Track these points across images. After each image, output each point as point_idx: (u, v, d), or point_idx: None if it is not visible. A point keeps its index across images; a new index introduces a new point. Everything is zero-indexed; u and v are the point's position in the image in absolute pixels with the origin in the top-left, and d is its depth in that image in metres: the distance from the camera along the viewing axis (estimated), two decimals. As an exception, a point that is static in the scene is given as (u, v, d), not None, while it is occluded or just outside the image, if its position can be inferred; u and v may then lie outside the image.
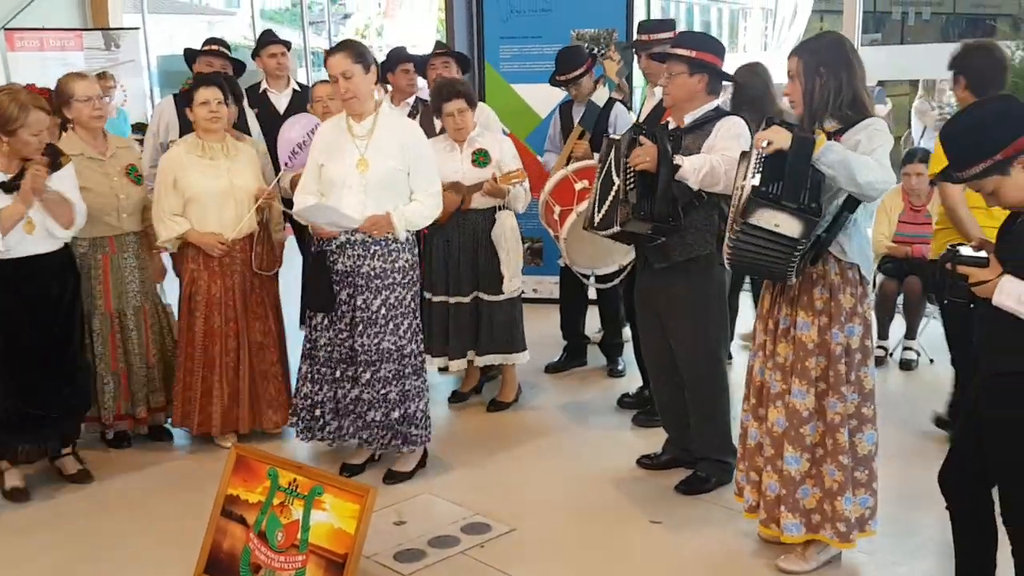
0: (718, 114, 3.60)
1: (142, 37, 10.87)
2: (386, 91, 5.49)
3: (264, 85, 5.59)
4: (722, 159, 3.39)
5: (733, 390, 3.85)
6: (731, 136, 3.49)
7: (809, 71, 2.98)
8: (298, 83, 5.77)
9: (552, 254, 5.78)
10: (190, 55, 5.46)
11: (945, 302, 2.62)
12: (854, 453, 3.09)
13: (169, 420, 4.40)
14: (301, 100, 5.57)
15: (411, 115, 5.23)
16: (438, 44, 5.80)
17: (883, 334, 5.40)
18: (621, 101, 5.18)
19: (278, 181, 4.42)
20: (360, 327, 3.78)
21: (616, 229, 3.53)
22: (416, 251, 3.90)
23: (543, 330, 5.51)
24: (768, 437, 3.16)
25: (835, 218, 2.95)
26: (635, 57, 5.18)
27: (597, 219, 3.64)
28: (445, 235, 4.50)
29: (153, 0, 12.25)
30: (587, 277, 4.68)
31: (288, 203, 4.25)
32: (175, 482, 4.08)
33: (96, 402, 4.20)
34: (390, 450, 3.95)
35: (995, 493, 2.67)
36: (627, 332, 5.12)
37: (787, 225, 2.82)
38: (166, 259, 4.55)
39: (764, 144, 2.85)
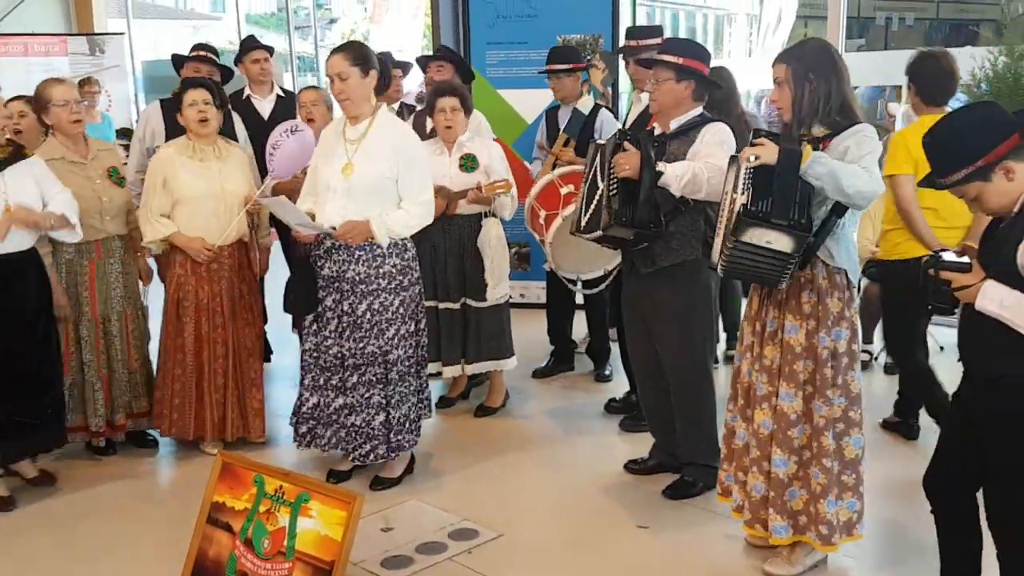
0: (703, 120, 3.62)
1: (127, 42, 10.83)
2: None
3: (247, 91, 5.57)
4: (705, 166, 3.42)
5: (718, 394, 3.86)
6: (715, 142, 3.51)
7: (798, 78, 2.99)
8: (282, 89, 5.76)
9: (539, 259, 5.79)
10: (178, 61, 5.45)
11: (928, 307, 2.64)
12: (841, 457, 3.10)
13: (152, 426, 4.38)
14: (286, 106, 5.56)
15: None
16: (440, 48, 5.80)
17: (867, 338, 5.43)
18: (607, 107, 5.20)
19: (264, 186, 4.41)
20: (347, 332, 3.78)
21: (599, 234, 3.57)
22: (408, 256, 3.84)
23: (530, 335, 5.52)
24: (754, 439, 3.17)
25: (823, 223, 2.97)
26: (623, 63, 5.21)
27: (583, 223, 3.66)
28: (431, 240, 4.49)
29: (138, 5, 12.22)
30: (573, 282, 4.68)
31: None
32: (161, 489, 4.07)
33: (84, 411, 4.18)
34: (371, 461, 3.88)
35: (980, 497, 2.69)
36: (614, 335, 5.13)
37: (779, 242, 2.85)
38: (151, 262, 4.54)
39: (751, 159, 2.86)
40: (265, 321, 4.72)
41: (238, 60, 5.64)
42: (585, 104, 5.05)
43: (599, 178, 3.57)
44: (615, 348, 5.09)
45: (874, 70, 6.63)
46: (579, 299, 5.27)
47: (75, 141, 4.15)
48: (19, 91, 4.75)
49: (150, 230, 4.14)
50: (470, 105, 4.56)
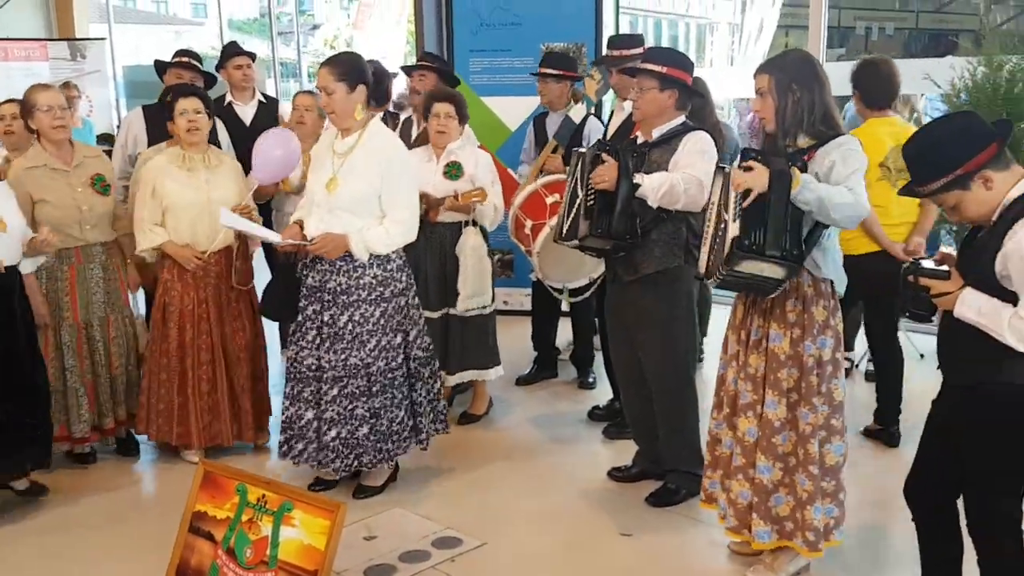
0: (685, 128, 3.64)
1: (108, 47, 10.77)
2: None
3: (229, 97, 5.56)
4: (683, 178, 3.45)
5: (704, 403, 3.87)
6: (696, 152, 3.54)
7: (781, 88, 3.00)
8: (264, 95, 5.75)
9: (523, 266, 5.80)
10: (160, 67, 5.42)
11: (907, 314, 2.67)
12: (822, 463, 3.12)
13: (134, 431, 4.36)
14: (267, 112, 5.55)
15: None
16: (424, 55, 5.80)
17: (848, 345, 5.46)
18: (596, 116, 5.23)
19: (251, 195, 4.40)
20: (328, 343, 3.75)
21: (576, 243, 3.61)
22: (392, 267, 3.79)
23: (513, 342, 5.51)
24: (739, 446, 3.19)
25: (810, 233, 2.99)
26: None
27: (564, 230, 3.69)
28: (413, 247, 4.48)
29: (119, 10, 12.16)
30: (559, 291, 4.69)
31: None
32: (144, 498, 4.04)
33: (66, 418, 4.15)
34: (356, 468, 3.85)
35: (960, 503, 2.71)
36: (598, 343, 5.14)
37: (771, 271, 2.91)
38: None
39: (741, 190, 2.87)
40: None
41: (220, 66, 5.62)
42: (577, 112, 5.08)
43: (579, 187, 3.60)
44: (599, 355, 5.10)
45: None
46: (564, 306, 5.28)
47: (59, 147, 4.12)
48: (-1, 96, 4.73)
49: (143, 239, 4.16)
50: (465, 113, 4.54)
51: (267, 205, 5.06)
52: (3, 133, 4.56)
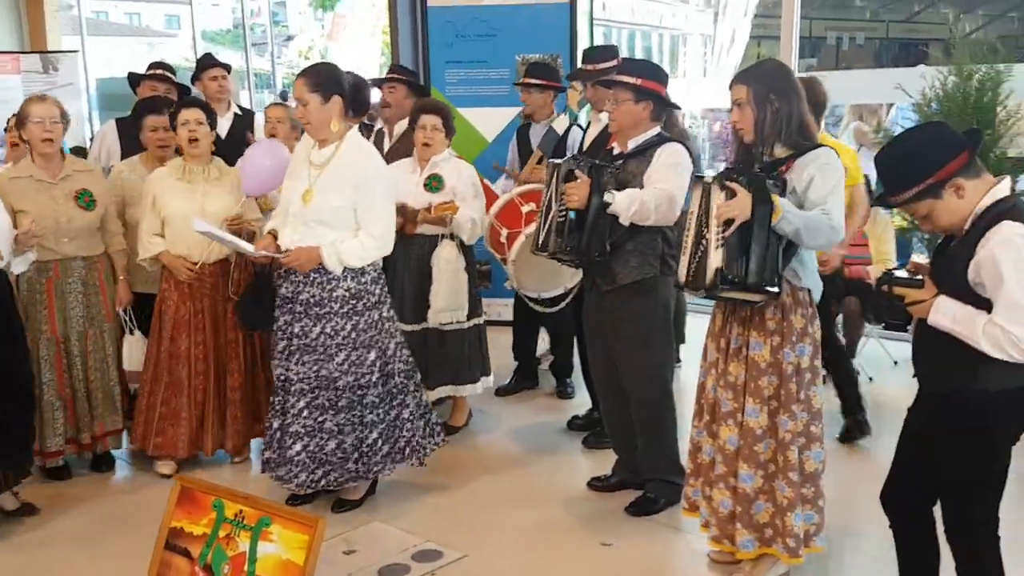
0: (660, 140, 3.67)
1: (81, 60, 10.68)
2: None
3: (205, 109, 5.52)
4: (653, 195, 3.49)
5: (682, 408, 3.89)
6: (669, 165, 3.57)
7: (760, 98, 3.02)
8: (239, 106, 5.73)
9: (500, 276, 5.79)
10: (134, 79, 5.39)
11: (884, 325, 2.70)
12: (802, 470, 3.14)
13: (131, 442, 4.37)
14: (243, 123, 5.53)
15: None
16: (392, 67, 5.80)
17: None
18: (579, 126, 5.25)
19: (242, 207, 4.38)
20: (298, 355, 3.72)
21: (548, 255, 3.67)
22: (366, 279, 3.75)
23: (491, 353, 5.49)
24: (720, 455, 3.20)
25: (788, 243, 3.01)
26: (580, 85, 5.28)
27: (539, 241, 3.72)
28: (390, 259, 4.47)
29: (92, 22, 12.06)
30: (534, 300, 4.69)
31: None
32: (118, 514, 3.99)
33: (40, 433, 4.10)
34: (324, 487, 3.81)
35: (937, 510, 2.73)
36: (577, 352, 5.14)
37: (752, 298, 3.01)
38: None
39: (724, 221, 2.90)
40: None
41: (195, 78, 5.60)
42: (560, 123, 5.10)
43: (553, 200, 3.63)
44: (578, 365, 5.10)
45: (829, 89, 6.75)
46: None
47: (48, 159, 4.11)
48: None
49: (142, 249, 4.21)
50: (452, 126, 4.53)
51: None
52: (11, 145, 4.60)
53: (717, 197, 2.96)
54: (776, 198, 2.89)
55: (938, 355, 2.56)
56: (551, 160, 3.87)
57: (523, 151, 5.17)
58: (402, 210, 4.38)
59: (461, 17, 6.62)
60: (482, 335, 4.73)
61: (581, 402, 5.06)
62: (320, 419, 3.72)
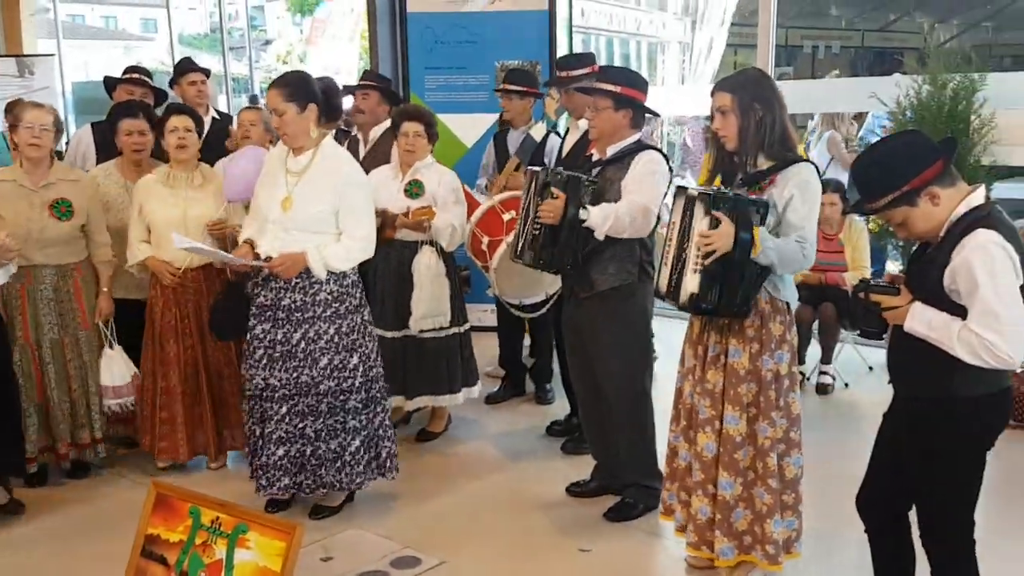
0: (639, 147, 3.69)
1: (57, 63, 10.59)
2: None
3: (182, 114, 5.49)
4: (628, 209, 3.51)
5: (657, 407, 3.90)
6: (646, 174, 3.60)
7: (743, 106, 3.02)
8: (217, 111, 5.69)
9: (479, 282, 5.79)
10: (110, 83, 5.35)
11: (859, 333, 2.72)
12: (782, 476, 3.15)
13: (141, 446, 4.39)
14: (221, 128, 5.50)
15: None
16: (364, 73, 5.79)
17: (799, 359, 5.55)
18: (557, 133, 5.26)
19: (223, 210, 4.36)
20: (280, 362, 3.70)
21: (524, 263, 3.72)
22: (347, 282, 3.75)
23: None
24: (698, 461, 3.20)
25: (763, 269, 3.02)
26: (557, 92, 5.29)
27: (518, 249, 3.74)
28: (372, 265, 4.46)
29: (68, 26, 11.97)
30: (515, 307, 4.69)
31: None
32: (94, 521, 3.95)
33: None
34: (291, 489, 3.79)
35: (912, 515, 2.76)
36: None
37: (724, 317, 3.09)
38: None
39: (705, 247, 2.92)
40: None
41: (174, 82, 5.56)
42: (538, 131, 5.11)
43: (531, 208, 3.65)
44: (558, 370, 5.11)
45: (804, 98, 6.82)
46: (527, 321, 5.28)
47: (35, 165, 4.08)
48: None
49: (130, 254, 4.23)
50: (435, 133, 4.52)
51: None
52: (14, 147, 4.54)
53: (700, 220, 2.95)
54: (757, 232, 2.90)
55: (913, 361, 2.59)
56: (530, 167, 3.87)
57: (500, 157, 5.18)
58: (382, 215, 4.37)
59: (440, 23, 6.63)
60: (466, 344, 4.70)
61: (560, 407, 5.07)
62: (300, 425, 3.71)
